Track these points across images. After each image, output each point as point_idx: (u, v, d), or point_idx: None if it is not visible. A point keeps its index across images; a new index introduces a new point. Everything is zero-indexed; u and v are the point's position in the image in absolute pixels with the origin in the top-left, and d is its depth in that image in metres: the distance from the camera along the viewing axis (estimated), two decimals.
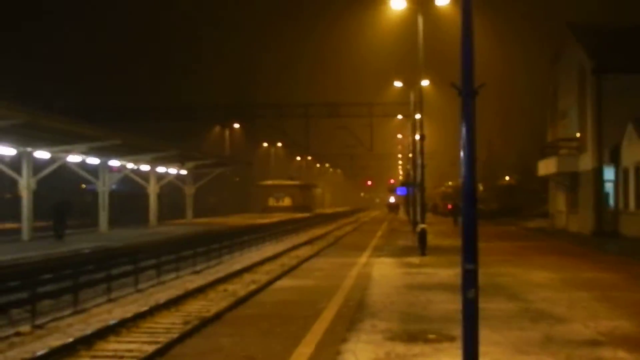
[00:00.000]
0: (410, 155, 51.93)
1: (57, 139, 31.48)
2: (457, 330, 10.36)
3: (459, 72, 8.85)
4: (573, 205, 43.43)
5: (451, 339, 10.72)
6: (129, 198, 79.64)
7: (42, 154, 33.66)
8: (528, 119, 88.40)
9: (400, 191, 65.78)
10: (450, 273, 19.62)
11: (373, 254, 27.70)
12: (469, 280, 8.67)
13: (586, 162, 39.81)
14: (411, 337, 10.98)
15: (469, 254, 8.72)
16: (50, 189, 38.42)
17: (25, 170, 32.45)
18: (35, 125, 26.96)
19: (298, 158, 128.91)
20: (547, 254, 26.41)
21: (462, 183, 9.12)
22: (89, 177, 41.01)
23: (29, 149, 32.34)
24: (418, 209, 37.16)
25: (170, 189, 69.79)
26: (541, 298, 14.98)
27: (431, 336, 11.03)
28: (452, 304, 13.75)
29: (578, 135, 41.65)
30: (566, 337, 10.89)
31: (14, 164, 34.11)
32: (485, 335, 10.16)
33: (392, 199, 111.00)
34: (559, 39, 45.60)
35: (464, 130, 8.83)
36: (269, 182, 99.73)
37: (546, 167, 45.26)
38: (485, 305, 12.80)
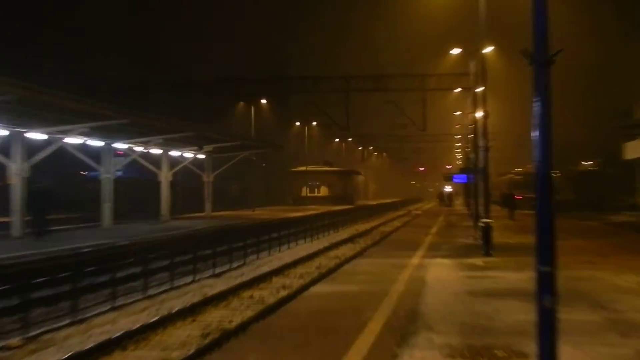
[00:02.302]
0: (471, 135, 51.51)
1: (55, 117, 31.65)
2: (531, 346, 10.17)
3: (530, 36, 8.66)
4: None
5: (523, 356, 10.54)
6: (137, 187, 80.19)
7: (36, 135, 33.83)
8: (610, 93, 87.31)
9: (459, 179, 65.23)
10: (522, 277, 19.40)
11: (427, 254, 27.50)
12: (545, 286, 8.50)
13: None
14: (475, 354, 10.81)
15: (545, 254, 8.55)
16: (45, 176, 38.58)
17: (16, 154, 32.66)
18: (30, 102, 27.10)
19: (337, 140, 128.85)
20: (637, 254, 26.02)
21: (534, 169, 8.93)
22: (91, 162, 41.23)
23: (21, 129, 32.54)
24: (481, 200, 36.85)
25: (186, 177, 70.08)
26: (632, 307, 14.71)
27: (499, 353, 10.86)
28: (524, 314, 13.55)
29: None
30: None
31: (3, 147, 34.24)
32: (565, 352, 9.95)
33: (448, 188, 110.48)
34: None
35: (537, 105, 8.63)
36: (303, 169, 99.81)
37: (635, 149, 44.61)
38: (565, 315, 12.56)
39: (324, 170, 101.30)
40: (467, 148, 66.71)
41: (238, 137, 55.87)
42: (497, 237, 31.65)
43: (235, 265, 30.80)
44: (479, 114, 38.56)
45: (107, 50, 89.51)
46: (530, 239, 9.33)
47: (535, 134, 8.69)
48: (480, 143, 35.43)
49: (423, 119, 74.27)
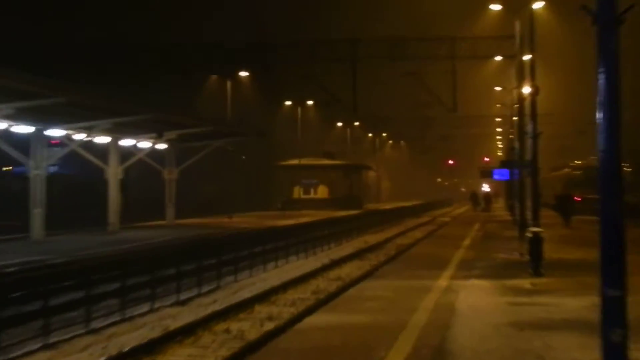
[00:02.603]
0: (516, 118, 51.51)
1: None
2: None
3: None
4: None
5: None
6: (77, 187, 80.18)
7: None
8: None
9: (500, 175, 65.22)
10: (582, 303, 19.38)
11: (458, 274, 27.49)
12: (613, 315, 8.48)
13: None
14: None
15: (612, 274, 8.53)
16: None
17: None
18: None
19: (340, 124, 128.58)
20: None
21: (598, 161, 8.88)
22: (17, 154, 41.16)
23: None
24: (529, 203, 36.85)
25: (143, 173, 70.03)
26: None
27: None
28: (585, 352, 13.57)
29: None
30: None
31: None
32: None
33: (485, 187, 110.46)
34: None
35: (602, 78, 8.61)
36: (295, 162, 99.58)
37: None
38: (638, 354, 12.57)
39: (322, 165, 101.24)
40: (511, 135, 66.77)
41: (209, 121, 55.83)
42: (550, 251, 31.63)
43: (206, 289, 30.77)
44: (526, 89, 38.58)
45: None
46: (593, 254, 9.30)
47: (600, 115, 8.65)
48: (528, 128, 35.41)
49: (453, 97, 74.29)
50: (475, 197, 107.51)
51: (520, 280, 25.36)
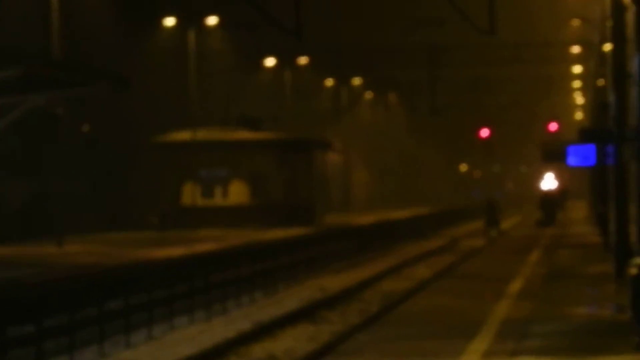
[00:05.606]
0: (609, 49, 51.76)
1: None
2: None
3: None
4: None
5: None
6: None
7: None
8: None
9: (580, 157, 65.30)
10: None
11: (499, 348, 27.52)
12: None
13: None
14: None
15: None
16: None
17: None
18: None
19: (272, 62, 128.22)
20: None
21: None
22: None
23: None
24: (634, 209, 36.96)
25: None
26: None
27: None
28: None
29: None
30: None
31: None
32: None
33: (548, 181, 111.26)
34: None
35: None
36: (185, 136, 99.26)
37: None
38: None
39: (238, 141, 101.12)
40: (601, 79, 67.25)
41: (17, 58, 55.57)
42: None
43: None
44: None
45: None
46: None
47: None
48: (633, 66, 35.34)
49: (489, 8, 74.28)
50: (491, 209, 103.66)
51: (619, 358, 25.39)
